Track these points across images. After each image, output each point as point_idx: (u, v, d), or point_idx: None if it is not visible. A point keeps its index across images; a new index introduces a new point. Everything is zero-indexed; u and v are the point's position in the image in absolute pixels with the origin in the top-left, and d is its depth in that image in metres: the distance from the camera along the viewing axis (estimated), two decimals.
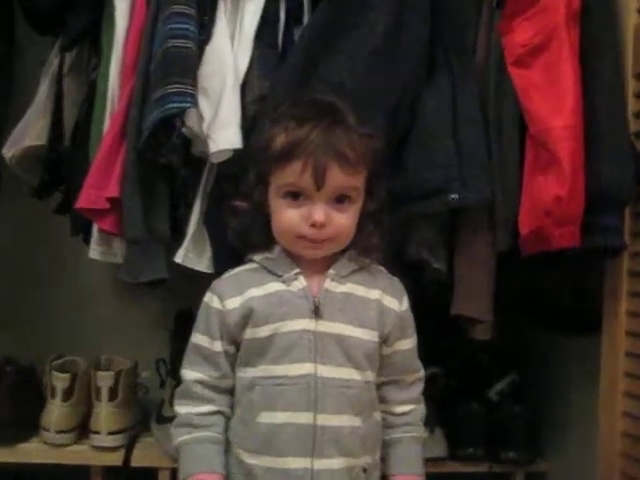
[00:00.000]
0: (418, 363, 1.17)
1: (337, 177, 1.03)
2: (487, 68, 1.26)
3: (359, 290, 1.11)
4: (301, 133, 1.03)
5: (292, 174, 1.04)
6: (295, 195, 1.05)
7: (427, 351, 1.18)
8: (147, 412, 1.65)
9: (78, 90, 1.46)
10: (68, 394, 1.52)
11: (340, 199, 1.06)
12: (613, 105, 1.19)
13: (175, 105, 1.14)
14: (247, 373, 1.09)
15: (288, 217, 1.06)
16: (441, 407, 1.54)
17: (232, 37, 1.26)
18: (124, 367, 1.57)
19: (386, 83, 1.23)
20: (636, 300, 1.22)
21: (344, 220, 1.07)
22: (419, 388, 1.17)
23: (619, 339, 1.24)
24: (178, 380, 1.15)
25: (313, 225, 1.04)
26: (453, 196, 1.19)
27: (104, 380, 1.52)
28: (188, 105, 1.15)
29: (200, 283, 1.15)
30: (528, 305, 1.42)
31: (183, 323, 1.55)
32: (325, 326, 1.07)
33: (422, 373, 1.17)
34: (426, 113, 1.25)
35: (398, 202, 1.18)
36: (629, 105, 1.22)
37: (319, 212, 1.04)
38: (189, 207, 1.27)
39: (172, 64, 1.17)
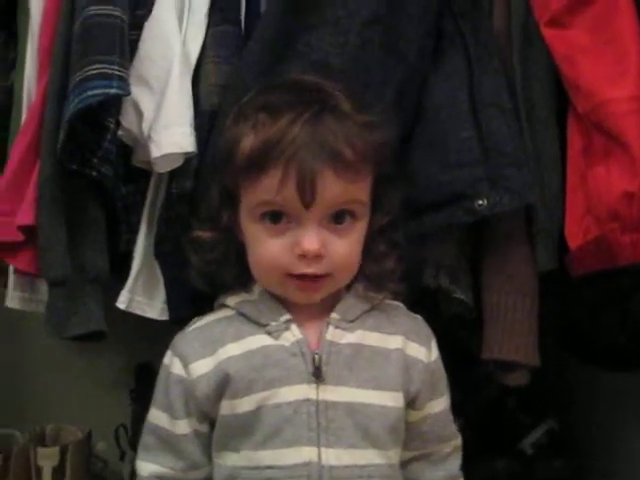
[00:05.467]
0: (454, 428, 0.99)
1: (333, 187, 0.84)
2: (508, 36, 1.08)
3: (373, 338, 0.91)
4: (277, 129, 0.83)
5: (268, 189, 0.84)
6: (275, 217, 0.86)
7: None
8: None
9: None
10: (1, 477, 1.38)
11: (339, 217, 0.86)
12: None
13: (97, 92, 0.92)
14: (226, 460, 0.89)
15: (268, 250, 0.86)
16: (462, 467, 1.32)
17: (180, 10, 1.06)
18: (73, 439, 1.41)
19: (385, 63, 1.05)
20: None
21: (346, 247, 0.87)
22: (457, 460, 0.99)
23: None
24: None
25: (303, 256, 0.85)
26: (480, 202, 1.01)
27: (46, 458, 1.36)
28: (114, 91, 0.93)
29: (166, 330, 0.99)
30: (565, 335, 1.23)
31: (146, 379, 1.36)
32: (330, 393, 0.87)
33: (459, 440, 0.99)
34: (436, 100, 1.07)
35: (407, 214, 1.00)
36: None
37: (310, 238, 0.84)
38: (133, 235, 1.08)
39: (92, 37, 0.95)
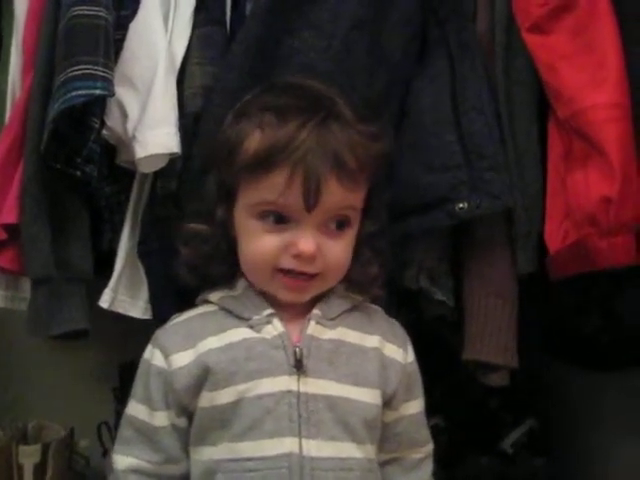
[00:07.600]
0: (427, 433, 0.98)
1: (335, 194, 0.86)
2: (491, 41, 1.07)
3: (352, 336, 0.92)
4: (286, 132, 0.84)
5: (273, 189, 0.85)
6: (277, 217, 0.87)
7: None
8: None
9: None
10: None
11: (335, 221, 0.89)
12: None
13: (81, 92, 0.92)
14: (204, 455, 0.88)
15: (262, 245, 0.87)
16: (445, 465, 1.31)
17: (165, 11, 1.05)
18: (55, 437, 1.38)
19: (370, 66, 1.05)
20: None
21: (339, 251, 0.89)
22: (429, 467, 0.98)
23: None
24: None
25: (298, 256, 0.86)
26: (461, 205, 1.01)
27: (28, 455, 1.33)
28: (98, 92, 0.92)
29: (149, 328, 0.98)
30: (546, 336, 1.24)
31: (130, 378, 1.30)
32: (312, 385, 0.87)
33: (431, 446, 0.99)
34: (420, 103, 1.07)
35: (391, 216, 1.01)
36: None
37: (308, 241, 0.86)
38: (117, 234, 1.08)
39: (76, 38, 0.95)
